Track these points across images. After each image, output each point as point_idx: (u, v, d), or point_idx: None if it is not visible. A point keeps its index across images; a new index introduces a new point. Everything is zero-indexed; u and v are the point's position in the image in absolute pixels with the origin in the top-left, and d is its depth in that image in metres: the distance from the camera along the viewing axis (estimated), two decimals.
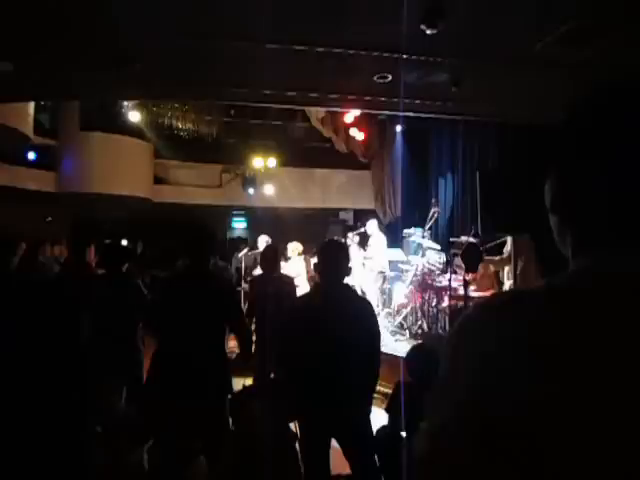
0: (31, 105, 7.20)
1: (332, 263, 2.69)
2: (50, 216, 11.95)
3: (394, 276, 7.64)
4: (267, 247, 5.09)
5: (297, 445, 3.12)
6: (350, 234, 8.09)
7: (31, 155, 10.90)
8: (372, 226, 7.80)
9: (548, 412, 0.47)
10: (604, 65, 2.77)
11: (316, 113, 9.99)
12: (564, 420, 0.47)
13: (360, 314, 2.69)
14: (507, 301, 0.60)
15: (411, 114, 4.27)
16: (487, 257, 5.60)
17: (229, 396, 2.92)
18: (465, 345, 0.57)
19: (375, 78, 3.29)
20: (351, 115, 9.28)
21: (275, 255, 4.60)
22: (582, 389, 0.48)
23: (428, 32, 2.51)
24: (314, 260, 7.39)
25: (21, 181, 10.50)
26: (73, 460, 2.02)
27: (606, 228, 0.57)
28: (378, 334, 2.80)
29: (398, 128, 10.54)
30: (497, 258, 5.60)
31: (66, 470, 1.99)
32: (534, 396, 0.48)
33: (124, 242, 7.64)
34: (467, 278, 5.58)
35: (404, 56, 2.80)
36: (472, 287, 5.91)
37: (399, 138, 10.72)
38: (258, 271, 6.12)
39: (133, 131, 11.51)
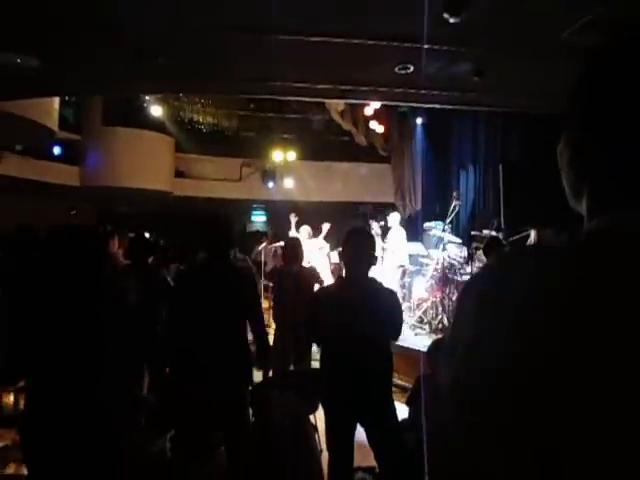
0: (56, 100, 7.33)
1: (357, 252, 2.68)
2: (74, 209, 12.20)
3: (414, 270, 7.59)
4: (289, 239, 5.11)
5: (316, 437, 3.14)
6: (373, 223, 8.03)
7: (56, 150, 11.13)
8: (394, 219, 7.75)
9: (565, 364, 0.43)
10: None
11: (335, 106, 9.94)
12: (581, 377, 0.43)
13: (385, 303, 2.69)
14: (525, 253, 0.57)
15: (433, 105, 4.21)
16: None
17: (250, 388, 2.94)
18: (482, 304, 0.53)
19: (396, 69, 3.24)
20: (371, 108, 9.21)
21: (297, 248, 4.61)
22: (597, 347, 0.44)
23: (451, 21, 2.46)
24: (334, 253, 7.39)
25: (47, 175, 10.73)
26: (96, 448, 2.06)
27: (623, 185, 0.55)
28: (401, 324, 2.82)
29: (419, 120, 10.42)
30: None
31: (89, 459, 2.03)
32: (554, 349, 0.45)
33: (146, 235, 7.75)
34: None
35: (426, 46, 2.75)
36: None
37: (419, 130, 10.60)
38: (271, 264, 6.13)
39: (154, 125, 11.64)
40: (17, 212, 8.74)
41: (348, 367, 2.57)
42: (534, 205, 4.15)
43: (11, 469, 2.69)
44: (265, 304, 8.55)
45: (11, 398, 3.10)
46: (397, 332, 2.80)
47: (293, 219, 7.41)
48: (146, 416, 3.19)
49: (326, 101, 9.12)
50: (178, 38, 2.88)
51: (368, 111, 9.45)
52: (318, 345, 3.07)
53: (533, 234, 5.27)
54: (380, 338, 2.67)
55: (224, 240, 2.88)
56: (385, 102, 5.86)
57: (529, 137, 7.20)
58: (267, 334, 3.08)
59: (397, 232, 7.65)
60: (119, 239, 4.78)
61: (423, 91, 3.48)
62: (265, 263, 8.17)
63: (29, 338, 2.03)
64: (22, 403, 2.87)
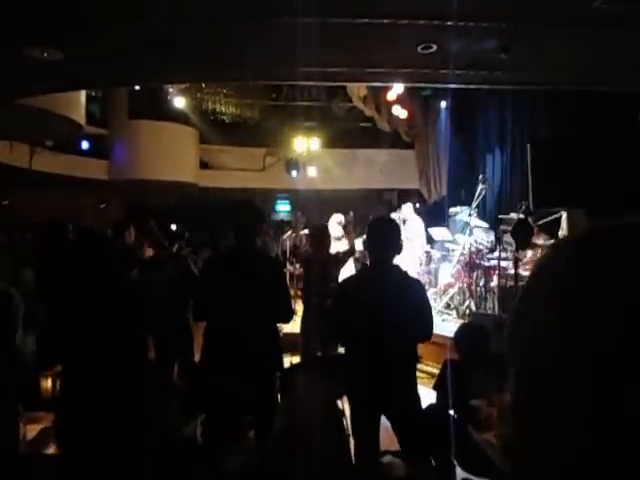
0: (83, 95, 7.46)
1: (381, 240, 2.66)
2: (104, 203, 12.48)
3: (440, 256, 7.50)
4: (316, 226, 5.11)
5: (344, 421, 3.14)
6: (394, 214, 7.99)
7: (85, 145, 11.37)
8: (407, 210, 7.68)
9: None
10: None
11: (357, 91, 9.81)
12: None
13: (410, 293, 2.66)
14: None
15: (457, 86, 4.10)
16: (537, 235, 5.41)
17: (278, 373, 2.96)
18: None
19: (419, 49, 3.17)
20: (393, 92, 9.04)
21: (324, 234, 4.62)
22: None
23: None
24: (359, 240, 7.39)
25: (76, 170, 10.99)
26: (131, 433, 2.12)
27: None
28: (429, 312, 2.78)
29: (443, 104, 10.21)
30: (545, 243, 5.38)
31: (124, 443, 2.08)
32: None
33: (173, 226, 7.87)
34: (522, 259, 5.41)
35: (449, 23, 2.68)
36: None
37: (444, 114, 10.40)
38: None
39: (178, 117, 11.75)
40: (49, 207, 9.00)
41: (371, 357, 2.55)
42: (564, 185, 4.01)
43: (52, 449, 2.79)
44: (290, 292, 8.59)
45: (49, 383, 3.21)
46: (428, 330, 2.74)
47: (301, 218, 7.25)
48: (178, 401, 3.26)
49: (348, 85, 9.02)
50: (201, 26, 2.89)
51: (391, 96, 9.29)
52: (339, 342, 3.07)
53: (564, 216, 5.12)
54: (404, 327, 2.63)
55: (254, 226, 2.89)
56: (408, 83, 5.75)
57: (557, 114, 6.95)
58: (293, 312, 3.13)
59: (414, 221, 7.59)
60: (138, 230, 4.81)
61: (447, 71, 3.40)
62: (297, 247, 8.18)
63: (62, 326, 2.09)
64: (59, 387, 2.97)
